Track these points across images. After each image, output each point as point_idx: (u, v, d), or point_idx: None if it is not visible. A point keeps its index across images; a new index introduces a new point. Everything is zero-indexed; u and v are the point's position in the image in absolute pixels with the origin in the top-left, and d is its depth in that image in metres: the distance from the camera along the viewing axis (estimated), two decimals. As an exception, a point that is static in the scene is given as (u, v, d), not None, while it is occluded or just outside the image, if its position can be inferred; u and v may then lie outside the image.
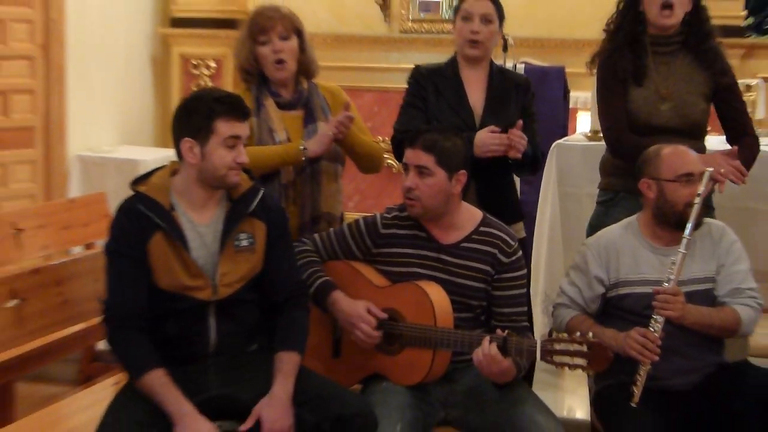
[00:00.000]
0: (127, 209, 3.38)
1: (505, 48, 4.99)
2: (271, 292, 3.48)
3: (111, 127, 8.41)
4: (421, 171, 3.57)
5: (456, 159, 3.59)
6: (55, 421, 3.72)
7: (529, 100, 4.28)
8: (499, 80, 4.25)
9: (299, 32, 4.11)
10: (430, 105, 4.19)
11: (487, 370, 3.36)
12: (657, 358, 3.44)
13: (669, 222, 3.67)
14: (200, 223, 3.39)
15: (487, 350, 3.34)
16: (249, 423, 3.25)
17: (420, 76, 4.25)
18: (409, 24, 8.34)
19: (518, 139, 3.94)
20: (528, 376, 4.17)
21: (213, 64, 8.64)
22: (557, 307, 3.78)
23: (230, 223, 3.39)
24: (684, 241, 3.54)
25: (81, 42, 7.91)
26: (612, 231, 3.82)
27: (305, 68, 4.15)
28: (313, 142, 3.94)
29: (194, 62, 8.67)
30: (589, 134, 5.68)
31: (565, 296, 3.76)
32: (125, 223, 3.36)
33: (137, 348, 3.29)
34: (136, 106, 8.72)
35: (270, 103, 4.08)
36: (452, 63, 4.27)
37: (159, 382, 3.22)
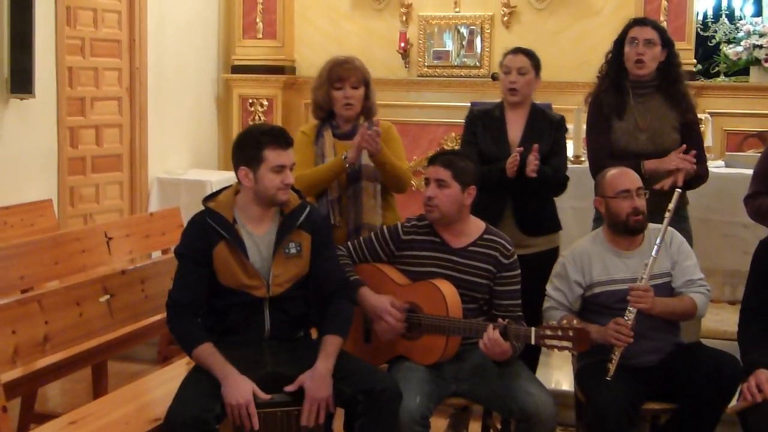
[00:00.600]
0: (196, 221, 3.41)
1: (494, 78, 5.01)
2: (320, 287, 3.49)
3: (184, 154, 8.44)
4: (440, 183, 3.59)
5: (468, 176, 3.60)
6: (139, 393, 3.73)
7: (561, 135, 4.31)
8: (536, 118, 4.28)
9: (367, 83, 4.16)
10: (479, 138, 4.26)
11: (490, 351, 3.37)
12: (631, 340, 3.45)
13: (620, 230, 3.68)
14: (257, 234, 3.41)
15: (491, 335, 3.35)
16: (293, 387, 3.26)
17: (472, 116, 4.35)
18: (425, 69, 8.29)
19: (532, 159, 3.99)
20: (533, 361, 4.16)
21: (266, 102, 8.67)
22: (547, 311, 3.74)
23: (281, 234, 3.40)
24: (655, 247, 3.56)
25: (159, 85, 7.97)
26: (583, 242, 3.81)
27: (367, 111, 4.19)
28: (350, 151, 3.98)
29: (250, 101, 8.70)
30: (572, 158, 5.67)
31: (552, 300, 3.74)
32: (194, 232, 3.39)
33: (189, 328, 3.33)
34: (204, 136, 8.75)
35: (328, 134, 4.14)
36: (500, 105, 4.34)
37: (207, 352, 3.26)
